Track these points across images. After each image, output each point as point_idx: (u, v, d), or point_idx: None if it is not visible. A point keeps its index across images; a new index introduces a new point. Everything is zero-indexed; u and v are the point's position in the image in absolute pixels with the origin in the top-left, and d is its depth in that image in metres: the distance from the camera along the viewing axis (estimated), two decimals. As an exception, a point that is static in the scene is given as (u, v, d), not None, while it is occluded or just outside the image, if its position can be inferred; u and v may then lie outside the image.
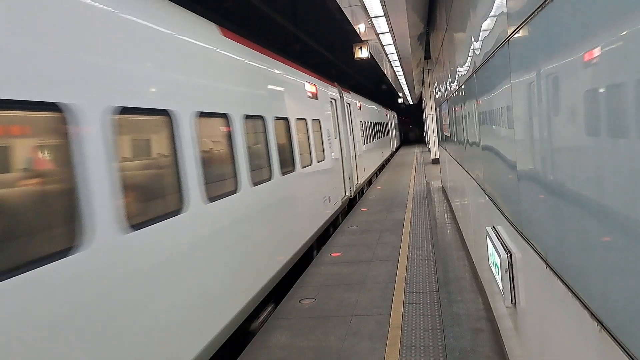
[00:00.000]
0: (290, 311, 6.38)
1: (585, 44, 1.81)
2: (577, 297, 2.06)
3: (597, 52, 1.69)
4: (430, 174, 20.69)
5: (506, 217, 3.87)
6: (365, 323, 5.75)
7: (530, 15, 2.47)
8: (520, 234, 3.23)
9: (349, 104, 15.71)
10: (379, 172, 24.47)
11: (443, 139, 14.16)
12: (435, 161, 23.10)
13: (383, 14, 10.38)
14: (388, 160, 31.38)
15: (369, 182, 20.02)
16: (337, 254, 8.96)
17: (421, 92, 36.55)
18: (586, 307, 1.95)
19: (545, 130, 2.45)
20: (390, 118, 37.55)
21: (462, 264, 7.64)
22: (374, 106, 25.61)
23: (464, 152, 7.81)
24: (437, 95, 16.07)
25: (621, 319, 1.66)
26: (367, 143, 20.11)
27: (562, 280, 2.28)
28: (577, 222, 2.08)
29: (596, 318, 1.84)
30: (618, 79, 1.57)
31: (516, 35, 2.89)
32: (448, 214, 11.65)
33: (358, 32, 13.14)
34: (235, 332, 5.30)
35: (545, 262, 2.57)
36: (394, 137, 39.30)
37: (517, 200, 3.37)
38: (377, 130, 25.38)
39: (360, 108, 19.22)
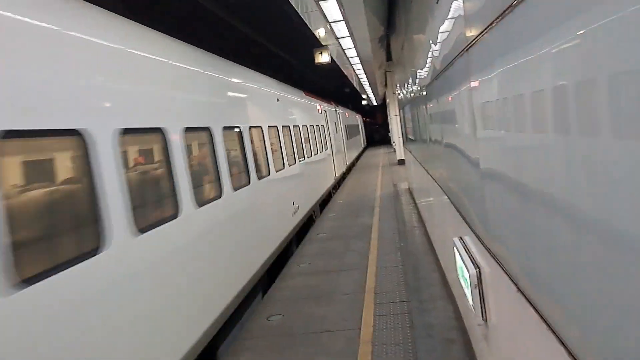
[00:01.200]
0: (257, 330, 6.12)
1: (538, 49, 1.84)
2: (553, 331, 1.90)
3: (548, 55, 1.75)
4: (397, 176, 20.73)
5: (472, 229, 3.74)
6: (335, 339, 5.55)
7: (489, 25, 2.33)
8: (488, 250, 3.08)
9: (339, 113, 23.84)
10: (352, 167, 28.24)
11: (407, 141, 14.16)
12: (401, 162, 23.18)
13: (342, 19, 10.24)
14: (359, 156, 36.55)
15: (341, 179, 23.11)
16: (305, 264, 8.74)
17: (384, 93, 36.78)
18: (563, 344, 1.79)
19: (507, 132, 2.32)
20: (360, 121, 45.45)
21: (431, 270, 7.54)
22: (347, 111, 31.57)
23: (426, 156, 7.73)
24: (400, 97, 16.09)
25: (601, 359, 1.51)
26: (348, 139, 27.72)
27: (535, 309, 2.13)
28: (552, 245, 1.92)
29: (573, 357, 1.69)
30: (568, 79, 1.60)
31: (476, 43, 2.75)
32: (415, 217, 11.60)
33: (318, 36, 12.99)
34: (201, 355, 5.01)
35: (516, 285, 2.42)
36: (362, 137, 47.26)
37: (483, 212, 3.23)
38: (354, 131, 33.69)
39: (347, 115, 29.24)
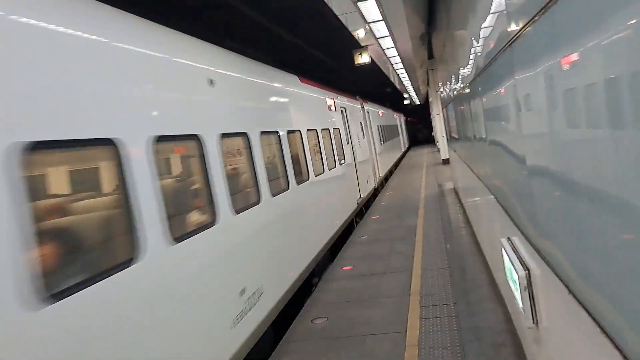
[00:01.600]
0: (302, 333, 6.15)
1: (585, 41, 1.76)
2: (607, 335, 1.81)
3: (596, 48, 1.68)
4: (441, 176, 20.36)
5: (520, 229, 3.62)
6: (380, 343, 5.50)
7: (532, 18, 2.25)
8: (538, 251, 2.97)
9: (368, 111, 18.53)
10: (391, 174, 24.84)
11: (451, 140, 13.88)
12: (446, 161, 22.75)
13: (381, 18, 10.17)
14: (399, 161, 31.69)
15: (385, 180, 21.58)
16: (348, 267, 8.71)
17: (427, 92, 36.23)
18: (618, 349, 1.70)
19: (557, 127, 2.23)
20: (399, 121, 38.68)
21: (478, 271, 7.35)
22: (381, 110, 25.80)
23: (472, 154, 7.54)
24: (442, 95, 15.80)
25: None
26: (383, 143, 22.72)
27: (588, 312, 2.03)
28: (606, 246, 1.83)
29: (631, 363, 1.60)
30: (619, 72, 1.51)
31: (519, 38, 2.66)
32: (461, 218, 11.35)
33: (357, 37, 12.94)
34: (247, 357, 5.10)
35: (568, 287, 2.32)
36: (403, 139, 40.58)
37: (531, 212, 3.12)
38: (390, 133, 27.86)
39: (380, 114, 23.92)
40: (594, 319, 1.96)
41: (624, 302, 1.69)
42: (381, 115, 24.25)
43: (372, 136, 18.67)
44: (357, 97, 17.10)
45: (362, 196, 13.91)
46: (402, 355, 5.12)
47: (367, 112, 18.28)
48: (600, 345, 1.87)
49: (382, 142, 22.35)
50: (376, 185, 17.48)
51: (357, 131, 15.33)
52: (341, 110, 13.24)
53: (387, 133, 25.85)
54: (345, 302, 7.01)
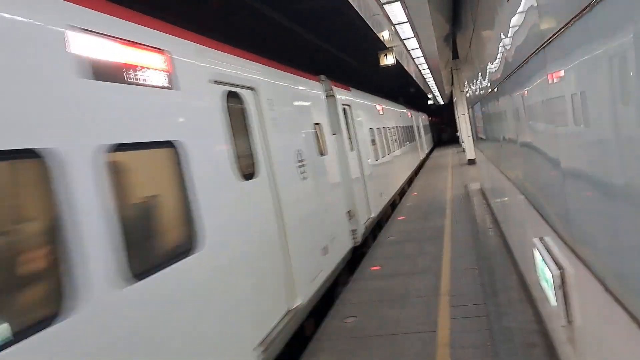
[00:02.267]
0: (333, 331, 6.25)
1: (618, 46, 1.82)
2: (645, 331, 1.86)
3: (629, 52, 1.70)
4: (468, 176, 20.20)
5: (553, 229, 3.65)
6: (411, 342, 5.56)
7: (567, 24, 2.31)
8: (572, 249, 3.02)
9: (348, 105, 10.81)
10: (408, 187, 20.25)
11: (478, 140, 13.80)
12: (472, 162, 22.56)
13: (407, 20, 10.22)
14: (414, 174, 24.65)
15: (400, 195, 17.57)
16: (376, 268, 8.78)
17: (451, 92, 35.94)
18: (657, 344, 1.76)
19: (593, 129, 2.28)
20: (417, 120, 32.05)
21: (508, 272, 7.33)
22: (388, 105, 19.48)
23: (501, 155, 7.53)
24: (468, 95, 15.71)
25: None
26: (386, 154, 15.67)
27: (624, 308, 2.08)
28: None
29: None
30: None
31: (553, 41, 2.72)
32: (489, 218, 11.28)
33: (382, 39, 13.00)
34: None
35: (604, 285, 2.37)
36: (423, 141, 33.68)
37: (564, 209, 3.16)
38: (405, 137, 21.79)
39: (380, 111, 16.10)
40: (631, 316, 2.01)
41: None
42: (381, 112, 16.47)
43: (372, 145, 12.69)
44: (349, 87, 11.12)
45: (340, 257, 8.22)
46: (433, 354, 5.17)
47: (346, 106, 10.54)
48: (637, 340, 1.93)
49: (381, 154, 14.55)
50: (357, 242, 9.46)
51: (344, 140, 9.68)
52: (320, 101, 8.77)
53: (393, 139, 18.37)
54: (374, 301, 7.09)
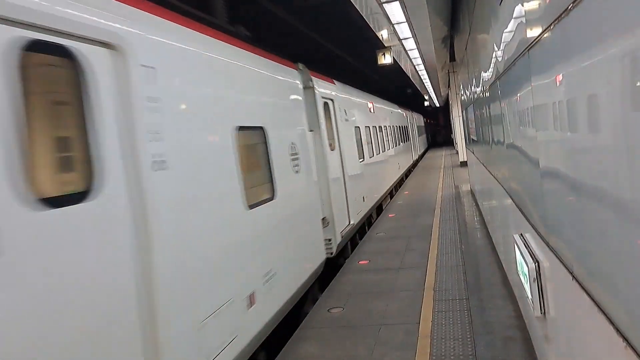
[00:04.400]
0: (319, 321, 6.42)
1: (600, 50, 1.91)
2: (603, 312, 2.03)
3: (604, 58, 1.83)
4: (459, 177, 20.45)
5: (532, 225, 3.82)
6: (394, 332, 5.74)
7: (547, 27, 2.47)
8: (547, 243, 3.19)
9: (331, 99, 9.72)
10: (397, 189, 19.50)
11: (470, 142, 14.00)
12: (464, 164, 22.81)
13: (405, 20, 10.37)
14: (408, 173, 24.74)
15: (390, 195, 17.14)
16: (364, 262, 8.96)
17: (447, 94, 36.20)
18: (612, 323, 1.92)
19: (567, 133, 2.44)
20: (412, 120, 30.65)
21: (492, 270, 7.53)
22: (383, 105, 18.63)
23: (489, 155, 7.72)
24: (462, 98, 15.91)
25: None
26: (374, 155, 14.36)
27: (587, 294, 2.25)
28: (602, 234, 2.06)
29: (622, 335, 1.82)
30: (619, 83, 1.62)
31: (536, 45, 2.88)
32: (477, 218, 11.50)
33: (381, 38, 13.15)
34: (264, 343, 5.37)
35: (571, 273, 2.54)
36: (416, 142, 32.21)
37: (541, 206, 3.33)
38: (391, 137, 19.05)
39: (370, 109, 14.44)
40: (593, 299, 2.18)
41: (617, 283, 1.92)
42: (371, 110, 15.19)
43: (341, 145, 10.04)
44: (299, 66, 8.37)
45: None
46: (415, 344, 5.35)
47: (328, 100, 9.52)
48: (598, 322, 2.10)
49: (370, 153, 13.53)
50: (332, 254, 8.46)
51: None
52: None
53: (383, 139, 16.86)
54: (361, 294, 7.26)
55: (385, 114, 18.81)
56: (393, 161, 18.87)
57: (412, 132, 29.91)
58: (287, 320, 6.21)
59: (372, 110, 15.33)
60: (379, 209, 14.69)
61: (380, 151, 15.78)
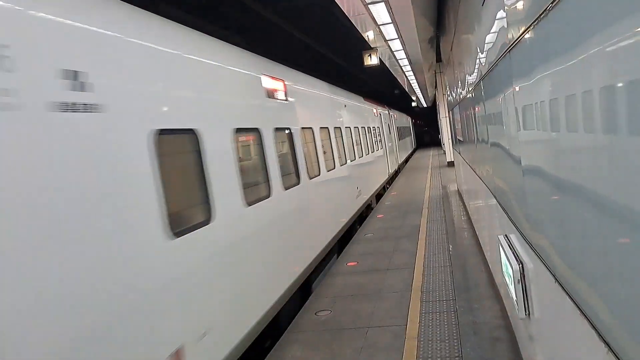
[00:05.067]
0: (305, 324, 6.37)
1: (577, 51, 1.90)
2: (585, 317, 2.01)
3: (582, 58, 1.82)
4: (446, 178, 20.53)
5: (516, 225, 3.82)
6: (382, 335, 5.71)
7: (527, 28, 2.45)
8: (530, 244, 3.18)
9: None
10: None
11: (456, 143, 14.05)
12: (451, 164, 22.91)
13: (391, 21, 10.36)
14: (391, 180, 21.47)
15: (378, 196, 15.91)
16: (353, 263, 8.93)
17: (434, 95, 36.37)
18: (594, 328, 1.90)
19: (548, 133, 2.43)
20: (389, 121, 24.02)
21: (479, 270, 7.54)
22: (347, 99, 13.52)
23: (474, 156, 7.74)
24: (449, 99, 15.97)
25: (628, 343, 1.62)
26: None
27: (570, 297, 2.23)
28: (583, 236, 2.04)
29: (603, 340, 1.80)
30: (614, 80, 1.59)
31: (516, 45, 2.87)
32: (464, 219, 11.53)
33: (367, 39, 13.15)
34: (250, 347, 5.30)
35: (554, 276, 2.52)
36: (394, 149, 24.74)
37: (524, 208, 3.32)
38: (365, 139, 15.30)
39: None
40: (575, 303, 2.16)
41: (599, 287, 1.90)
42: (325, 105, 10.73)
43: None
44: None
45: None
46: (402, 346, 5.33)
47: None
48: (580, 326, 2.08)
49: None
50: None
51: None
52: None
53: (347, 144, 12.40)
54: (349, 296, 7.22)
55: (354, 111, 14.14)
56: (344, 187, 11.49)
57: (389, 135, 23.17)
58: (273, 324, 6.12)
59: (326, 105, 10.81)
60: (368, 207, 14.64)
61: (342, 163, 11.22)
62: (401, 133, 28.32)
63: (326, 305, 6.93)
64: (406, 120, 35.88)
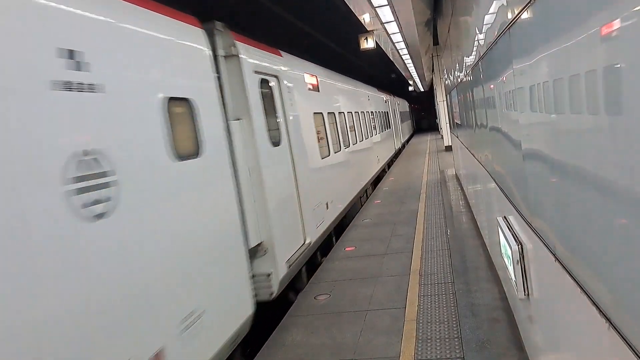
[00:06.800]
0: (305, 308, 6.39)
1: (581, 28, 1.84)
2: (586, 293, 2.01)
3: (583, 37, 1.78)
4: (444, 162, 20.52)
5: (515, 207, 3.81)
6: (381, 317, 5.74)
7: (528, 3, 2.41)
8: (529, 225, 3.17)
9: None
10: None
11: (454, 126, 14.01)
12: (448, 148, 22.91)
13: (387, 3, 10.26)
14: (390, 164, 22.94)
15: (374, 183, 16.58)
16: (351, 248, 8.94)
17: (432, 79, 36.22)
18: (595, 304, 1.90)
19: (549, 114, 2.40)
20: (394, 106, 28.09)
21: (477, 253, 7.57)
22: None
23: (472, 139, 7.71)
24: (446, 82, 15.89)
25: (629, 317, 1.62)
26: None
27: (570, 275, 2.23)
28: (583, 215, 2.03)
29: (604, 315, 1.80)
30: (616, 60, 1.55)
31: (516, 22, 2.82)
32: (462, 203, 11.54)
33: (363, 22, 13.02)
34: (250, 332, 5.33)
35: (554, 255, 2.51)
36: (399, 130, 29.33)
37: (524, 189, 3.31)
38: (364, 126, 16.00)
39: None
40: (576, 281, 2.16)
41: (599, 264, 1.89)
42: (343, 95, 13.08)
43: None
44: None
45: None
46: (401, 328, 5.35)
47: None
48: (581, 304, 2.07)
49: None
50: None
51: None
52: None
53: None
54: (347, 280, 7.24)
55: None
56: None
57: (394, 118, 27.69)
58: (274, 308, 6.11)
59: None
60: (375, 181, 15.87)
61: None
62: (402, 117, 33.74)
63: (325, 290, 6.95)
64: (405, 106, 40.77)
